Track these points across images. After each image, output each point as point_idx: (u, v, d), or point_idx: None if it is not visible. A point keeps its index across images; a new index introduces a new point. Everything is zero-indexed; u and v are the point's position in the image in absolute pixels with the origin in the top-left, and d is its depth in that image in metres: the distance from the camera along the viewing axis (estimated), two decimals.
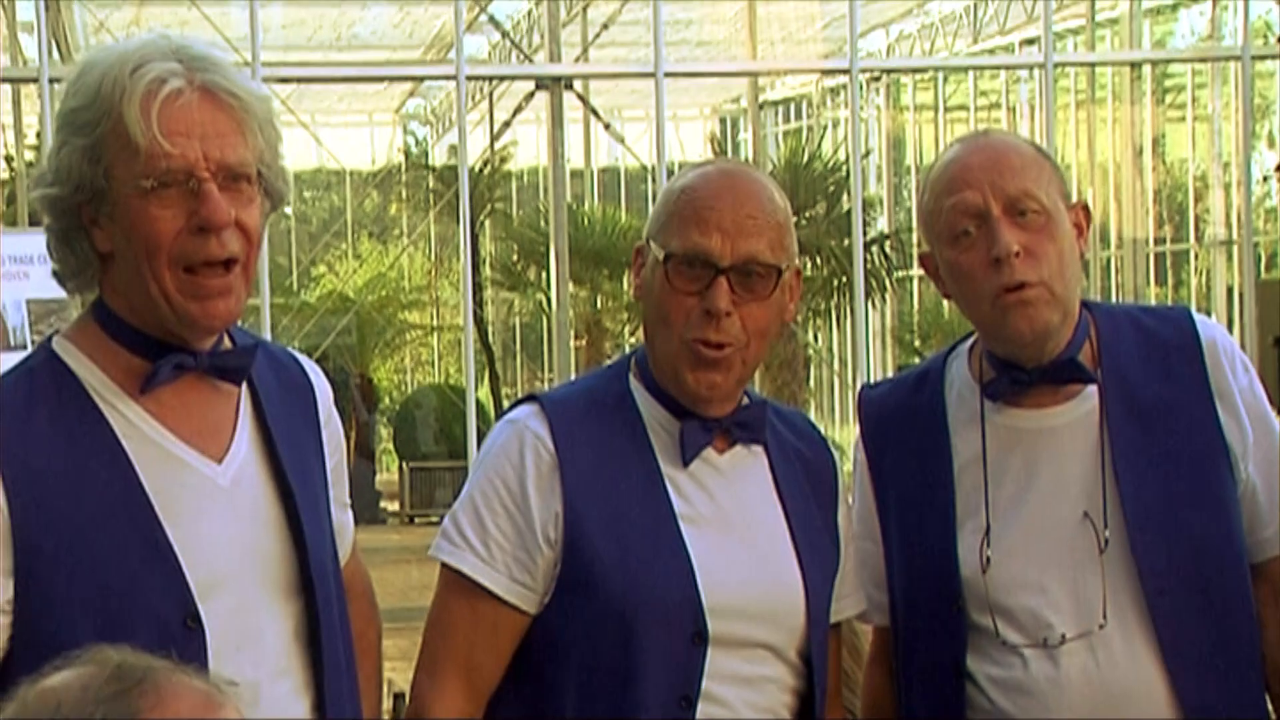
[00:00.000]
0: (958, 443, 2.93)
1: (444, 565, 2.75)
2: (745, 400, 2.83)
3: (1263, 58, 11.96)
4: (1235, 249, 13.34)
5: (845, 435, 16.65)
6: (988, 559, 2.85)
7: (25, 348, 7.91)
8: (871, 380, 18.08)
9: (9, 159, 17.02)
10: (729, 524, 2.79)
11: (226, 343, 2.65)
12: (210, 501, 2.56)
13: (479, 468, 2.80)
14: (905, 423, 3.00)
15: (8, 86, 15.50)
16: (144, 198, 2.47)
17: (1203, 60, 18.67)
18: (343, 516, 2.78)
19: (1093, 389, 2.86)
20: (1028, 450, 2.88)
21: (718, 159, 3.48)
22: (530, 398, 2.84)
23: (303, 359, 2.85)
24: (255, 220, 2.53)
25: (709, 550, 2.75)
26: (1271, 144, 20.01)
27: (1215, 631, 2.81)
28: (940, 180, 2.84)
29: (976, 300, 2.82)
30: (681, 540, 2.74)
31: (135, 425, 2.56)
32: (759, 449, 2.85)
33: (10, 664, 2.46)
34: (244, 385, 2.66)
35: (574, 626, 2.72)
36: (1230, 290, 14.68)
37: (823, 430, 2.96)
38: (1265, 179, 16.68)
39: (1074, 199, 2.91)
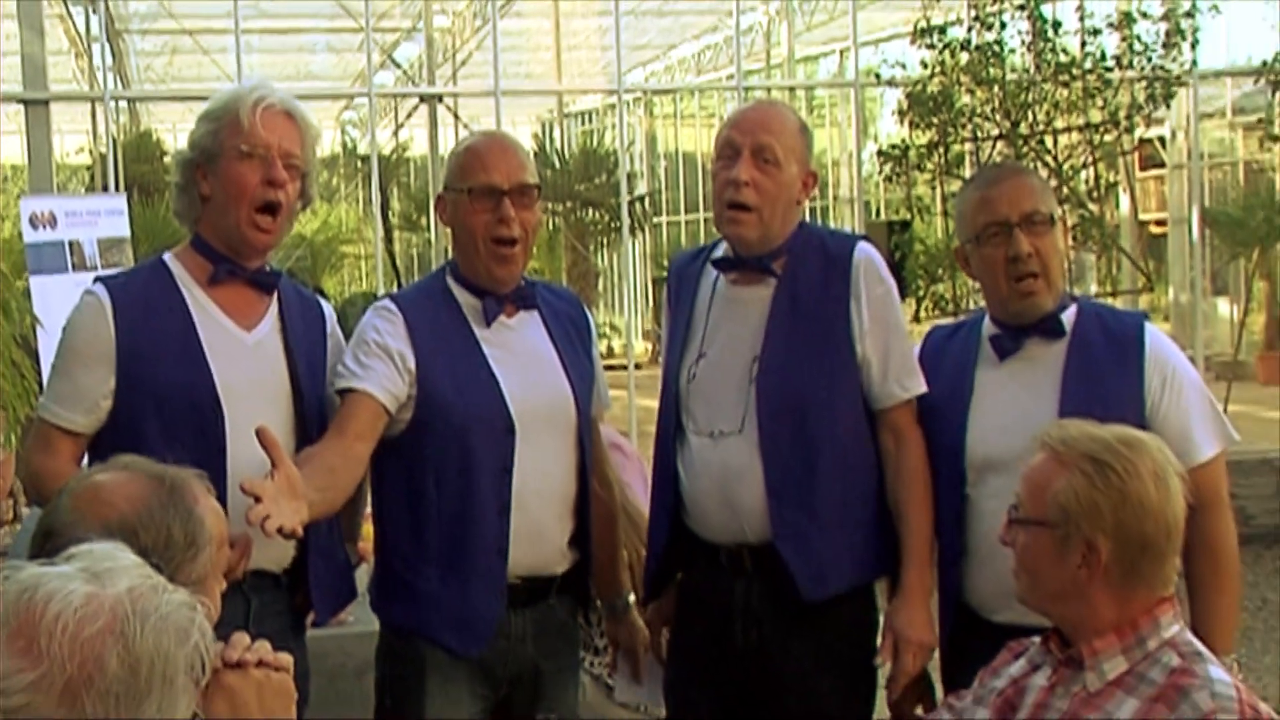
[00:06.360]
0: (700, 295, 2.97)
1: (339, 393, 2.78)
2: (522, 282, 2.93)
3: (866, 86, 12.70)
4: (854, 204, 14.21)
5: (620, 320, 17.33)
6: (693, 374, 2.93)
7: (96, 269, 7.70)
8: (634, 289, 18.28)
9: (90, 153, 17.22)
10: (520, 359, 2.87)
11: (267, 270, 2.82)
12: (238, 349, 2.72)
13: (355, 336, 2.84)
14: (685, 276, 3.03)
15: (88, 104, 15.83)
16: (240, 159, 2.66)
17: (832, 87, 19.39)
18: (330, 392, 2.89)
19: (773, 280, 2.88)
20: (729, 311, 2.94)
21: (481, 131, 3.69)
22: (388, 295, 2.90)
23: (320, 299, 2.96)
24: (292, 192, 2.73)
25: (509, 376, 2.84)
26: (875, 140, 20.84)
27: (803, 448, 2.84)
28: (731, 121, 2.87)
29: (716, 199, 2.87)
30: (491, 371, 2.83)
31: (200, 303, 2.71)
32: (535, 313, 2.93)
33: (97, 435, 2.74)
34: (275, 299, 2.80)
35: (430, 432, 2.79)
36: (852, 230, 15.51)
37: (603, 316, 3.23)
38: (870, 160, 17.72)
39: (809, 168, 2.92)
